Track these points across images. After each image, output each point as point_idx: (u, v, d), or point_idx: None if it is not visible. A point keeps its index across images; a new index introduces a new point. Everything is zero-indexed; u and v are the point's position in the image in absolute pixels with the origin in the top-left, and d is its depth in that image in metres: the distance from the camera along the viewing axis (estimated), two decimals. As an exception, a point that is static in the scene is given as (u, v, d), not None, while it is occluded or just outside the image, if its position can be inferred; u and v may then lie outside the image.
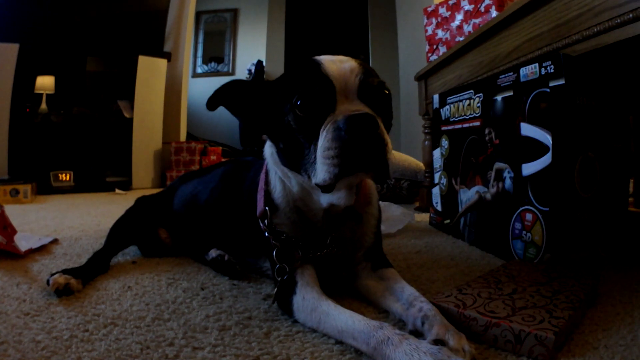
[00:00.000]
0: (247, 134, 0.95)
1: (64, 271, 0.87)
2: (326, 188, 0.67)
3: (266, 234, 0.81)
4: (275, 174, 0.84)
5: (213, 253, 1.04)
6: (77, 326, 0.68)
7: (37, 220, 1.85)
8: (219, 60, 5.86)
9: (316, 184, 0.68)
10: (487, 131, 1.23)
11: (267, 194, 0.85)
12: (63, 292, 0.82)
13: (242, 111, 0.79)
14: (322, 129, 0.66)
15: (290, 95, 0.70)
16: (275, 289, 0.77)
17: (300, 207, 0.82)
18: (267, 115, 0.77)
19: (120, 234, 1.16)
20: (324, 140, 0.65)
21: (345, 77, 0.69)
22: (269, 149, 0.85)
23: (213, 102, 0.78)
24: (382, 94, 0.73)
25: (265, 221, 0.81)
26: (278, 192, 0.83)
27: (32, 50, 3.38)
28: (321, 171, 0.65)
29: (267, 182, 0.86)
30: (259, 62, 5.42)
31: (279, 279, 0.76)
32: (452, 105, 1.46)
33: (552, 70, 0.97)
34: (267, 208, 0.82)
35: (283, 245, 0.78)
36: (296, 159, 0.72)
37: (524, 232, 1.05)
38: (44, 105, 3.53)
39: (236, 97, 0.79)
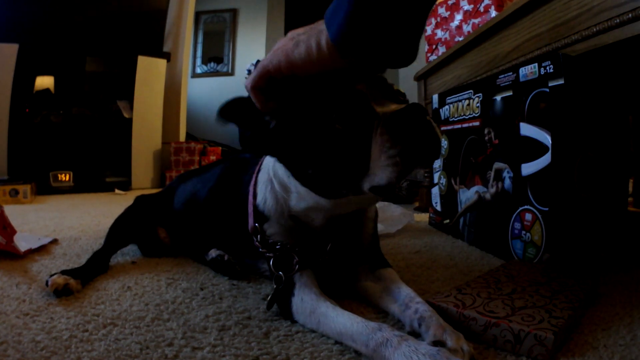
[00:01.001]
0: (255, 152, 0.86)
1: (63, 272, 0.86)
2: (388, 190, 0.63)
3: (260, 250, 0.80)
4: (266, 187, 0.81)
5: (213, 253, 1.04)
6: (76, 326, 0.67)
7: (37, 220, 1.84)
8: (219, 60, 5.86)
9: (374, 189, 0.64)
10: (486, 131, 1.23)
11: (256, 208, 0.83)
12: (62, 293, 0.81)
13: (251, 129, 0.73)
14: (374, 134, 0.62)
15: (323, 115, 0.66)
16: (269, 296, 0.76)
17: (299, 216, 0.80)
18: (284, 140, 0.71)
19: (120, 232, 1.16)
20: (382, 141, 0.61)
21: (370, 86, 0.67)
22: (269, 165, 0.81)
23: (221, 117, 0.72)
24: (400, 92, 0.72)
25: (258, 236, 0.81)
26: (269, 205, 0.81)
27: (31, 50, 3.37)
28: (385, 173, 0.61)
29: (255, 195, 0.84)
30: (259, 63, 5.42)
31: (275, 286, 0.75)
32: (451, 106, 1.46)
33: (551, 70, 0.97)
34: (256, 225, 0.81)
35: (279, 255, 0.78)
36: (339, 179, 0.67)
37: (524, 232, 1.05)
38: (43, 106, 3.53)
39: (245, 112, 0.72)
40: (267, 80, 0.67)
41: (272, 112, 0.72)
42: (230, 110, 0.72)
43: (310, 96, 0.68)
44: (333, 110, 0.65)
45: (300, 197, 0.77)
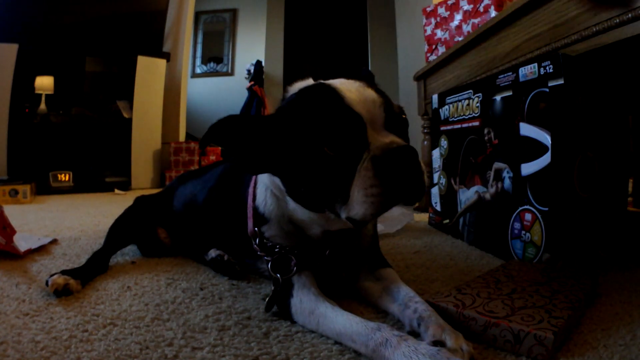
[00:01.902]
0: (248, 171, 0.88)
1: (63, 272, 0.86)
2: (362, 223, 0.65)
3: (258, 253, 0.81)
4: (267, 190, 0.81)
5: (212, 253, 1.04)
6: (76, 326, 0.67)
7: (36, 220, 1.84)
8: (218, 60, 5.86)
9: (350, 219, 0.65)
10: (486, 131, 1.23)
11: (255, 210, 0.83)
12: (62, 293, 0.81)
13: (240, 149, 0.72)
14: (359, 167, 0.62)
15: (314, 135, 0.65)
16: (267, 298, 0.76)
17: (297, 223, 0.80)
18: (274, 154, 0.71)
19: (119, 233, 1.16)
20: (365, 177, 0.61)
21: (370, 110, 0.66)
22: (267, 179, 0.81)
23: (206, 140, 0.71)
24: (402, 120, 0.71)
25: (257, 240, 0.81)
26: (269, 207, 0.81)
27: (31, 50, 3.37)
28: (361, 208, 0.62)
29: (254, 198, 0.84)
30: (258, 63, 5.42)
31: (273, 288, 0.76)
32: (451, 105, 1.46)
33: (551, 70, 0.97)
34: (256, 229, 0.81)
35: (278, 258, 0.78)
36: (320, 200, 0.69)
37: (523, 232, 1.05)
38: (43, 106, 3.52)
39: (233, 133, 0.71)
40: None
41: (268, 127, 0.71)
42: (217, 130, 0.70)
43: (308, 114, 0.67)
44: (326, 134, 0.64)
45: (294, 209, 0.78)
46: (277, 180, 0.77)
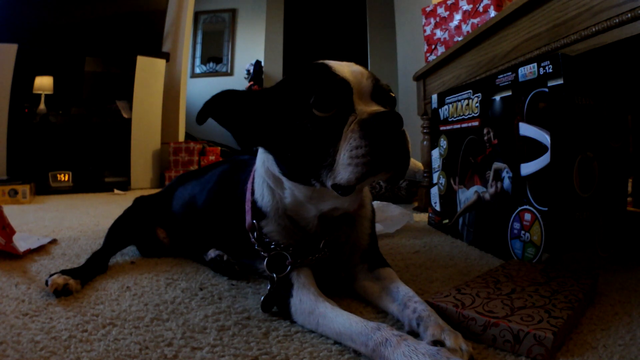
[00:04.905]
0: (242, 144, 0.89)
1: (63, 272, 0.87)
2: (347, 190, 0.66)
3: (256, 247, 0.81)
4: (263, 182, 0.83)
5: (212, 253, 1.04)
6: (75, 326, 0.67)
7: (36, 220, 1.84)
8: (218, 60, 5.86)
9: (335, 186, 0.66)
10: (485, 131, 1.23)
11: (254, 204, 0.83)
12: (62, 293, 0.81)
13: (235, 123, 0.75)
14: (345, 129, 0.64)
15: (303, 98, 0.68)
16: (263, 297, 0.76)
17: (292, 215, 0.81)
18: (266, 124, 0.74)
19: (119, 234, 1.16)
20: (351, 139, 0.63)
21: (358, 79, 0.69)
22: (260, 159, 0.83)
23: (203, 115, 0.73)
24: (390, 97, 0.74)
25: (255, 233, 0.81)
26: (266, 201, 0.82)
27: (30, 50, 3.37)
28: (346, 172, 0.63)
29: (252, 192, 0.85)
30: (258, 63, 5.42)
31: (268, 287, 0.76)
32: (450, 105, 1.46)
33: (550, 70, 0.97)
34: (254, 221, 0.82)
35: (273, 255, 0.78)
36: (308, 165, 0.69)
37: (523, 231, 1.05)
38: (42, 106, 3.52)
39: (228, 108, 0.74)
40: None
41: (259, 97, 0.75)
42: (214, 105, 0.74)
43: (298, 81, 0.72)
44: (314, 95, 0.67)
45: (288, 198, 0.78)
46: (270, 162, 0.79)
